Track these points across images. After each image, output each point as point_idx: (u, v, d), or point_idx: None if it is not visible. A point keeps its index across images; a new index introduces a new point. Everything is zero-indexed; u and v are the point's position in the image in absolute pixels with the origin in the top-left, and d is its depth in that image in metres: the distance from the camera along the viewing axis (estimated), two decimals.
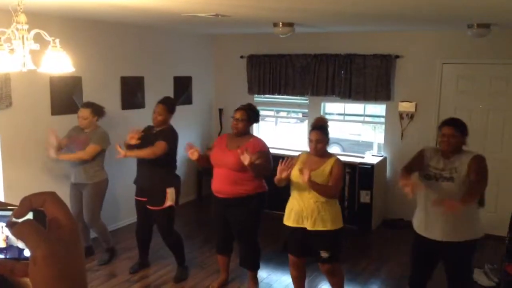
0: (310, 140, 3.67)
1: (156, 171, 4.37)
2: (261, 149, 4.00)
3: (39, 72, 3.18)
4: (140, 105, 6.07)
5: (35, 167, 4.92)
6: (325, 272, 3.84)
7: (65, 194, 5.05)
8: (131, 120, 5.65)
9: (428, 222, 3.42)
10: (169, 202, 4.39)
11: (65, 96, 5.12)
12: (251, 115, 4.10)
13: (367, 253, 5.32)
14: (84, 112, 4.69)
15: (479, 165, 3.37)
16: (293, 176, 3.64)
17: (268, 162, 4.00)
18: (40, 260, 0.55)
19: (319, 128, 3.69)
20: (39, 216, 0.58)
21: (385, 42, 6.18)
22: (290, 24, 4.94)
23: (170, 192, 4.41)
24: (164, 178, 4.41)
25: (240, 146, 3.86)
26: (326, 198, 3.57)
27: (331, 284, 3.92)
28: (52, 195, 0.59)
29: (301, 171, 3.50)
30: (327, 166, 3.62)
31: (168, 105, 4.43)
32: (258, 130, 7.17)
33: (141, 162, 4.46)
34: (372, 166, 5.95)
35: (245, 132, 4.10)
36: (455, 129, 3.39)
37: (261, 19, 4.82)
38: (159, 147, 4.26)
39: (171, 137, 4.40)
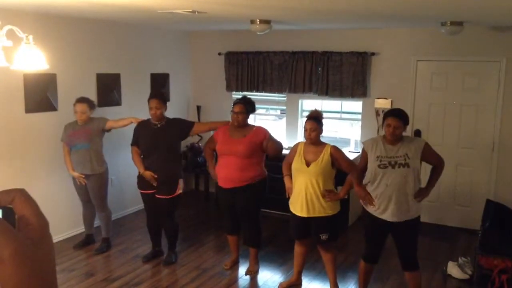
0: (305, 129, 4.00)
1: (173, 163, 4.67)
2: (267, 134, 4.45)
3: (12, 69, 3.13)
4: (116, 102, 6.01)
5: (9, 165, 4.83)
6: (320, 248, 4.18)
7: (42, 191, 4.99)
8: (107, 117, 5.59)
9: (388, 206, 3.68)
10: (179, 190, 4.72)
11: (40, 94, 5.04)
12: (248, 107, 4.47)
13: (344, 248, 5.39)
14: (82, 107, 4.87)
15: (431, 149, 3.79)
16: (294, 165, 4.01)
17: (276, 142, 4.47)
18: (8, 259, 0.53)
19: (314, 118, 4.02)
20: (8, 213, 0.58)
21: (361, 39, 6.24)
22: (267, 21, 4.95)
23: (181, 182, 4.74)
24: (177, 169, 4.74)
25: (246, 135, 4.35)
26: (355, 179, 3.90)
27: (325, 260, 4.23)
28: (21, 192, 0.58)
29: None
30: (325, 155, 3.94)
31: (163, 98, 4.73)
32: None
33: (154, 155, 4.61)
34: None
35: (245, 123, 4.44)
36: (399, 120, 3.66)
37: (238, 16, 4.82)
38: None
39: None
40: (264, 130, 4.49)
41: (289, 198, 4.17)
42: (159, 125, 4.62)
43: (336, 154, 3.98)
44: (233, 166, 4.35)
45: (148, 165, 4.65)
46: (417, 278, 3.88)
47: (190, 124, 4.77)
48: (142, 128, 4.71)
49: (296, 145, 4.14)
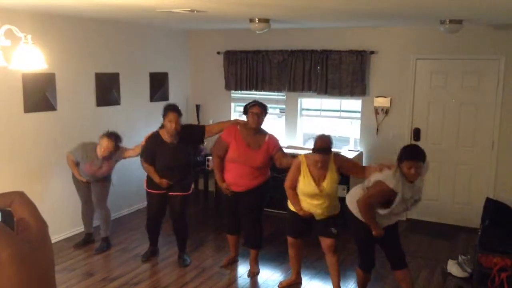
0: (316, 161, 3.80)
1: (188, 166, 4.68)
2: (278, 146, 4.40)
3: (11, 69, 3.12)
4: (115, 102, 5.99)
5: (8, 165, 4.82)
6: (328, 248, 4.07)
7: (41, 191, 4.99)
8: (106, 117, 5.59)
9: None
10: (191, 189, 4.79)
11: (38, 93, 5.02)
12: (266, 110, 4.41)
13: (344, 247, 5.38)
14: (109, 144, 4.75)
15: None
16: (305, 190, 3.91)
17: (287, 156, 4.36)
18: (6, 263, 0.53)
19: (326, 150, 3.81)
20: (6, 216, 0.57)
21: (360, 38, 6.23)
22: (266, 20, 4.95)
23: (193, 181, 4.87)
24: (190, 169, 4.75)
25: (261, 145, 4.28)
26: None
27: (331, 263, 4.15)
28: (20, 195, 0.58)
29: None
30: (332, 171, 3.89)
31: (179, 112, 4.50)
32: None
33: (174, 170, 4.56)
34: None
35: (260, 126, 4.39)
36: (421, 162, 3.56)
37: (237, 15, 4.82)
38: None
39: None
40: (276, 141, 4.42)
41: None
42: (175, 142, 4.50)
43: (342, 163, 3.96)
44: (243, 175, 4.34)
45: (163, 175, 4.58)
46: (409, 275, 3.91)
47: (201, 132, 4.67)
48: (156, 145, 4.53)
49: (298, 165, 3.94)
